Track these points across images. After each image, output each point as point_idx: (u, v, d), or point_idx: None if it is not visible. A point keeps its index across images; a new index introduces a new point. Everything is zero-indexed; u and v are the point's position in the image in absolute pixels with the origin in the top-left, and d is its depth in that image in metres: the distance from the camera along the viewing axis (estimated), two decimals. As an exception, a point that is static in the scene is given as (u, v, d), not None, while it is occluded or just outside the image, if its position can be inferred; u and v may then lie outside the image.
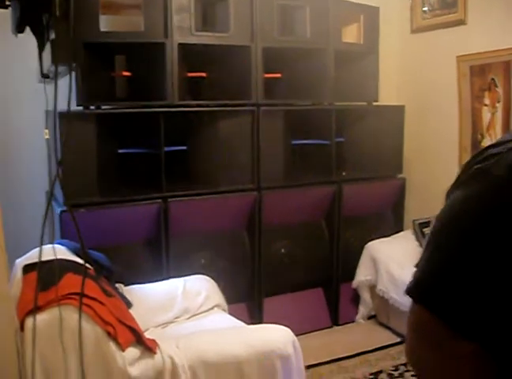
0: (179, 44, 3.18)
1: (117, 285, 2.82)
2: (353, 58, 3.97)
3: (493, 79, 3.83)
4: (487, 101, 3.89)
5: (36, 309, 1.78)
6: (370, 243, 3.85)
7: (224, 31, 3.35)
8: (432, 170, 4.23)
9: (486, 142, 3.92)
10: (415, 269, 0.87)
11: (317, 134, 3.81)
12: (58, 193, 3.09)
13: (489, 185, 0.77)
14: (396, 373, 3.17)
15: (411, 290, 0.84)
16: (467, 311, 0.76)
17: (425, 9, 4.20)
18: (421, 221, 3.87)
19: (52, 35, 1.56)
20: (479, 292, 0.76)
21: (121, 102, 3.37)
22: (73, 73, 2.28)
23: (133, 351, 2.16)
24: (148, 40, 3.17)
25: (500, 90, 3.79)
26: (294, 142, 3.78)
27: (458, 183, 0.84)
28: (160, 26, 3.16)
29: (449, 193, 0.86)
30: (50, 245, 2.56)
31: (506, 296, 0.75)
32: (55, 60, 1.39)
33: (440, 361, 0.80)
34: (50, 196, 1.63)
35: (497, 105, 3.83)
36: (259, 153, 3.50)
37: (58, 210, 3.01)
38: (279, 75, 3.70)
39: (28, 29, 2.01)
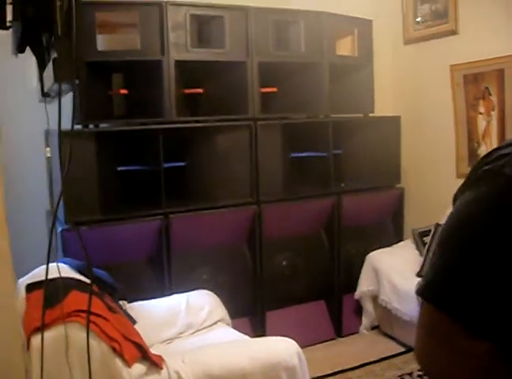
0: (176, 61, 3.21)
1: (120, 302, 2.82)
2: (348, 71, 4.01)
3: (487, 87, 3.87)
4: (481, 109, 3.93)
5: (44, 327, 1.78)
6: (371, 254, 3.86)
7: (220, 47, 3.39)
8: (430, 180, 4.26)
9: (482, 150, 3.95)
10: (419, 276, 0.88)
11: (314, 147, 3.83)
12: (59, 211, 3.10)
13: (500, 185, 0.78)
14: (401, 383, 3.17)
15: (422, 291, 0.84)
16: (480, 310, 0.77)
17: (418, 19, 4.25)
18: (421, 230, 3.89)
19: (54, 55, 1.58)
20: (491, 291, 0.77)
21: (119, 120, 3.39)
22: (72, 92, 2.30)
23: (139, 367, 2.16)
24: (145, 58, 3.20)
25: (494, 98, 3.83)
26: (292, 155, 3.80)
27: (467, 185, 0.85)
28: (157, 44, 3.19)
29: (456, 196, 0.87)
30: (53, 264, 2.56)
31: None
32: (59, 79, 1.41)
33: (452, 361, 0.80)
34: (55, 214, 1.63)
35: (492, 113, 3.87)
36: (257, 167, 3.52)
37: (59, 228, 3.02)
38: (275, 89, 3.73)
39: (27, 49, 2.04)
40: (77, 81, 1.41)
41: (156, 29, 3.19)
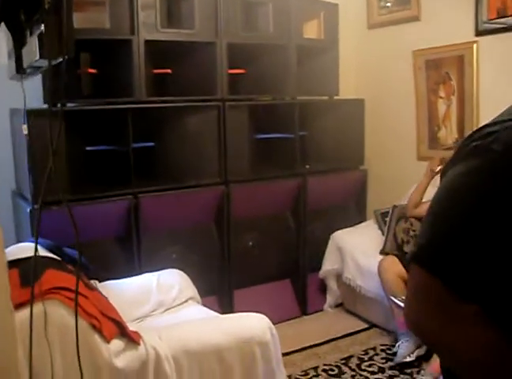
0: (146, 41, 3.20)
1: (92, 281, 2.83)
2: (314, 54, 4.07)
3: (447, 72, 3.98)
4: (442, 94, 4.05)
5: (31, 304, 1.79)
6: (335, 233, 3.96)
7: (190, 27, 3.39)
8: (392, 162, 4.37)
9: (442, 134, 4.08)
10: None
11: (281, 128, 3.89)
12: (26, 191, 3.08)
13: (489, 159, 0.86)
14: (366, 357, 3.28)
15: (415, 256, 0.91)
16: (468, 274, 0.84)
17: (387, 4, 4.32)
18: (383, 211, 3.99)
19: (38, 30, 1.57)
20: (480, 257, 0.84)
21: (87, 99, 3.36)
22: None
23: (117, 343, 2.18)
24: (115, 37, 3.17)
25: (454, 83, 3.95)
26: (259, 136, 3.84)
27: (457, 159, 0.93)
28: (126, 23, 3.18)
29: (445, 170, 0.94)
30: (28, 243, 2.56)
31: (503, 262, 0.83)
32: (48, 55, 1.41)
33: (444, 323, 0.87)
34: (44, 193, 1.61)
35: (452, 97, 3.99)
36: (226, 147, 3.55)
37: (27, 208, 2.99)
38: (243, 70, 3.76)
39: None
40: (66, 57, 1.40)
41: (126, 8, 3.17)
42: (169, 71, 3.52)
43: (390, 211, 3.75)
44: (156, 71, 3.47)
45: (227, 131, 3.55)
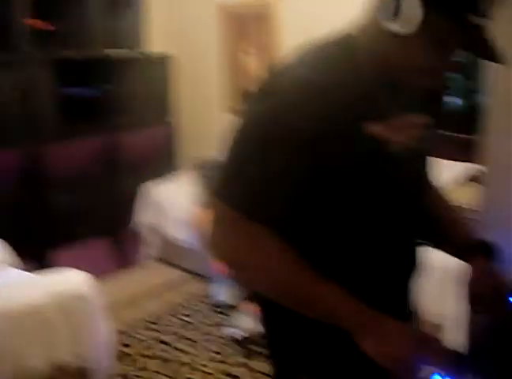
0: None
1: None
2: (120, 7, 4.01)
3: (250, 27, 4.15)
4: (247, 48, 4.22)
5: None
6: (147, 186, 4.00)
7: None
8: (200, 115, 4.49)
9: (249, 86, 4.27)
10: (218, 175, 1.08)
11: (88, 83, 3.83)
12: None
13: (274, 101, 1.03)
14: (186, 304, 3.46)
15: (215, 191, 1.07)
16: (255, 201, 1.02)
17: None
18: (202, 161, 4.08)
19: None
20: (266, 185, 1.02)
21: None
22: None
23: None
24: None
25: (257, 37, 4.13)
26: (65, 92, 3.73)
27: (251, 101, 1.08)
28: None
29: (242, 110, 1.10)
30: None
31: (284, 185, 1.01)
32: None
33: (238, 241, 1.04)
34: None
35: (255, 51, 4.18)
36: (31, 106, 3.42)
37: None
38: (47, 24, 3.60)
39: None
40: None
41: None
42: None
43: (208, 163, 3.88)
44: None
45: (31, 87, 3.41)
